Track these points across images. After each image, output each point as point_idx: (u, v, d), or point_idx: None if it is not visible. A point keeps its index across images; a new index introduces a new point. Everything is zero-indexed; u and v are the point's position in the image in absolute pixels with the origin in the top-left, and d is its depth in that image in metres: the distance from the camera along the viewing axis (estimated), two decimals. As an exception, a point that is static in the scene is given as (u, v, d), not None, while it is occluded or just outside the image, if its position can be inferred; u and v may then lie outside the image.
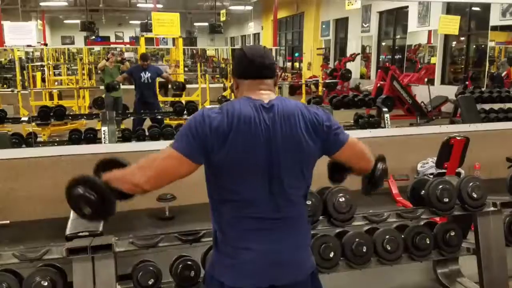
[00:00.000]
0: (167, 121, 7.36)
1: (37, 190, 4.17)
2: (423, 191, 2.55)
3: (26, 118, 6.46)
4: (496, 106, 7.30)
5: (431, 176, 4.21)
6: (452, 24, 6.42)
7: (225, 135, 1.47)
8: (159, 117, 6.82)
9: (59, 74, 13.19)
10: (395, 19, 14.20)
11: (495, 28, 10.02)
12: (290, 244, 1.58)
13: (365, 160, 1.74)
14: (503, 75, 9.80)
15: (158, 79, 7.31)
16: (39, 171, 4.19)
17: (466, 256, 2.71)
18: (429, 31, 12.51)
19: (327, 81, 11.04)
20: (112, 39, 25.53)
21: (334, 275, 2.41)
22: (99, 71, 9.47)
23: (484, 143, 5.22)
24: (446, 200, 2.46)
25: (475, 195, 2.49)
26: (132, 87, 7.09)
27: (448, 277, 2.98)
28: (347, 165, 1.73)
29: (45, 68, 12.02)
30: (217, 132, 1.47)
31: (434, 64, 12.19)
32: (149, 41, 14.34)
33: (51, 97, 9.49)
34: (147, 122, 6.68)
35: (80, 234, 2.41)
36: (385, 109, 6.58)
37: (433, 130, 5.50)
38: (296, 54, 20.03)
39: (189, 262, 2.23)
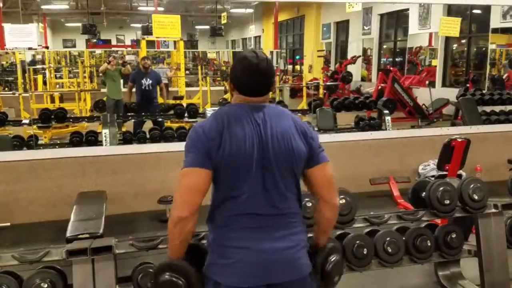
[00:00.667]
0: (168, 123, 7.36)
1: (38, 193, 4.18)
2: (424, 193, 2.55)
3: (27, 121, 6.47)
4: (497, 108, 7.29)
5: (432, 178, 4.20)
6: (453, 26, 6.40)
7: (219, 134, 1.54)
8: (160, 119, 6.83)
9: (61, 77, 13.23)
10: (396, 21, 14.20)
11: (496, 30, 10.01)
12: (285, 244, 1.59)
13: (332, 190, 1.68)
14: (504, 77, 9.79)
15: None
16: (40, 174, 4.19)
17: (468, 258, 2.70)
18: (430, 34, 12.51)
19: (328, 83, 11.04)
20: (114, 42, 25.59)
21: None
22: (100, 74, 9.48)
23: (485, 145, 5.22)
24: (447, 202, 2.46)
25: (476, 197, 2.49)
26: (133, 90, 7.12)
27: (450, 279, 2.97)
28: (313, 187, 1.68)
29: (47, 71, 12.05)
30: (211, 134, 1.55)
31: (435, 66, 12.18)
32: (150, 44, 14.35)
33: (52, 100, 9.52)
34: (148, 125, 6.69)
35: (81, 236, 2.41)
36: (386, 111, 6.58)
37: (434, 132, 5.49)
38: (297, 57, 20.04)
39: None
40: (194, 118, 6.49)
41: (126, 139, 5.89)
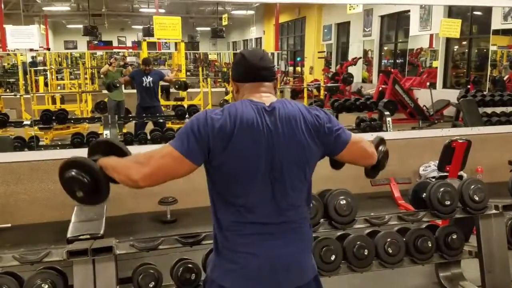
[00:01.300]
0: (169, 124, 7.36)
1: (39, 194, 4.18)
2: (424, 194, 2.55)
3: (28, 122, 6.48)
4: (498, 109, 7.28)
5: (433, 179, 4.20)
6: (453, 28, 6.41)
7: (228, 137, 1.45)
8: (161, 120, 6.83)
9: (62, 79, 13.26)
10: (396, 23, 14.21)
11: (497, 32, 10.01)
12: (293, 249, 1.56)
13: (369, 157, 1.75)
14: (505, 78, 9.79)
15: (161, 83, 7.33)
16: (41, 175, 4.19)
17: (468, 259, 2.70)
18: (431, 35, 12.52)
19: (329, 85, 11.05)
20: (115, 44, 25.66)
21: (335, 278, 2.40)
22: (101, 76, 9.50)
23: (486, 147, 5.21)
24: (448, 202, 2.46)
25: (477, 198, 2.48)
26: (135, 91, 7.11)
27: (450, 280, 2.96)
28: (351, 163, 1.72)
29: (48, 73, 12.08)
30: (220, 134, 1.45)
31: (436, 68, 12.18)
32: (151, 45, 14.37)
33: (53, 101, 9.53)
34: (149, 126, 6.69)
35: (81, 237, 2.41)
36: (387, 113, 6.58)
37: (435, 133, 5.49)
38: (298, 59, 20.05)
39: (190, 265, 2.22)
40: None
41: (127, 140, 5.89)
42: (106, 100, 7.61)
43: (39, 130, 6.83)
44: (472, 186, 2.50)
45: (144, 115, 6.69)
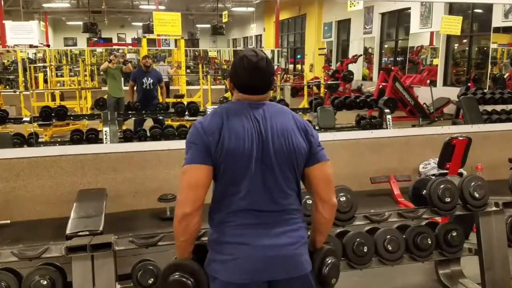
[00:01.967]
0: (168, 121, 7.36)
1: (38, 190, 4.18)
2: (424, 190, 2.54)
3: (28, 119, 6.47)
4: (499, 107, 7.28)
5: (433, 177, 4.19)
6: (454, 25, 6.39)
7: (218, 130, 1.55)
8: (161, 117, 6.82)
9: (61, 75, 13.23)
10: (397, 20, 14.18)
11: (497, 29, 9.99)
12: (287, 240, 1.58)
13: (330, 189, 1.67)
14: (505, 76, 9.77)
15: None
16: (40, 171, 4.18)
17: (468, 256, 2.69)
18: (431, 33, 12.49)
19: (329, 82, 11.04)
20: (115, 41, 25.61)
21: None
22: (101, 73, 9.48)
23: (486, 144, 5.20)
24: (448, 199, 2.45)
25: (477, 195, 2.48)
26: (135, 88, 7.11)
27: (450, 278, 2.96)
28: (312, 185, 1.67)
29: (48, 69, 12.06)
30: (210, 129, 1.55)
31: (437, 65, 12.16)
32: (151, 42, 14.34)
33: (53, 98, 9.51)
34: (149, 123, 6.69)
35: (80, 233, 2.41)
36: (387, 110, 6.57)
37: (435, 131, 5.48)
38: (299, 56, 20.02)
39: (189, 262, 2.21)
40: (194, 116, 6.49)
41: (127, 137, 5.89)
42: (105, 97, 7.60)
43: (38, 126, 6.80)
44: (473, 183, 2.49)
45: (143, 112, 6.69)
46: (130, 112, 6.81)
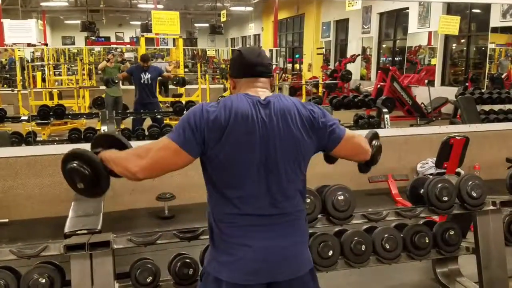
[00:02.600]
0: (166, 121, 7.36)
1: (36, 189, 4.17)
2: (422, 189, 2.55)
3: (26, 117, 6.46)
4: (496, 107, 7.30)
5: (431, 176, 4.20)
6: (452, 24, 6.41)
7: (222, 129, 1.48)
8: (159, 117, 6.82)
9: (59, 74, 13.20)
10: (395, 20, 14.20)
11: (495, 29, 10.02)
12: (288, 241, 1.57)
13: (363, 152, 1.77)
14: (503, 76, 9.81)
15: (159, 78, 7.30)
16: (38, 170, 4.18)
17: (466, 255, 2.70)
18: (429, 33, 12.51)
19: (327, 82, 11.04)
20: (113, 40, 25.56)
21: (332, 273, 2.40)
22: (99, 72, 9.47)
23: (484, 144, 5.22)
24: (446, 198, 2.46)
25: (474, 194, 2.48)
26: (133, 87, 7.08)
27: (448, 276, 2.97)
28: (346, 158, 1.74)
29: (46, 68, 12.03)
30: (215, 125, 1.49)
31: (434, 65, 12.19)
32: (149, 41, 14.34)
33: (51, 97, 9.50)
34: (147, 122, 6.68)
35: (79, 232, 2.40)
36: (385, 110, 6.59)
37: (432, 130, 5.49)
38: (297, 56, 20.03)
39: (188, 260, 2.22)
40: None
41: (125, 136, 5.87)
42: (103, 96, 7.60)
43: (36, 125, 6.81)
44: (470, 182, 2.50)
45: (142, 111, 6.68)
46: (128, 111, 6.81)
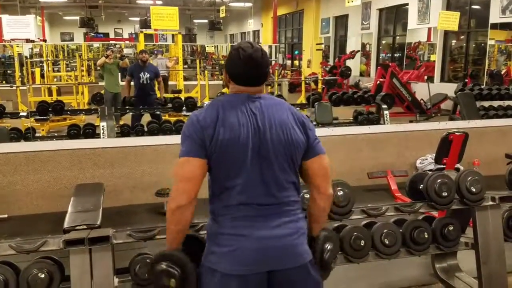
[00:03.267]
0: (166, 117, 7.35)
1: (35, 185, 4.17)
2: (421, 185, 2.55)
3: (24, 113, 6.45)
4: (496, 103, 7.30)
5: (430, 172, 4.20)
6: (451, 20, 6.42)
7: (213, 123, 1.55)
8: (158, 112, 6.81)
9: (58, 70, 13.19)
10: (395, 16, 14.18)
11: (495, 25, 10.01)
12: (285, 231, 1.58)
13: (327, 181, 1.69)
14: (502, 72, 9.81)
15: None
16: (37, 166, 4.18)
17: (465, 250, 2.70)
18: (429, 29, 12.51)
19: (326, 78, 11.03)
20: (111, 36, 25.52)
21: (332, 269, 2.40)
22: (98, 68, 9.45)
23: (483, 140, 5.22)
24: (445, 194, 2.45)
25: (473, 189, 2.48)
26: (132, 83, 7.08)
27: (447, 271, 2.97)
28: (309, 178, 1.68)
29: (44, 64, 12.01)
30: (205, 123, 1.55)
31: (434, 61, 12.18)
32: (148, 37, 14.31)
33: (50, 93, 9.49)
34: (146, 118, 6.68)
35: (78, 227, 2.40)
36: (384, 106, 6.58)
37: (432, 126, 5.50)
38: (296, 52, 20.00)
39: (187, 255, 2.22)
40: (192, 111, 6.48)
41: (124, 132, 5.88)
42: (102, 92, 7.59)
43: (35, 121, 6.79)
44: (469, 178, 2.50)
45: (140, 106, 6.67)
46: (127, 107, 6.80)
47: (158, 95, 7.06)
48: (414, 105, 8.92)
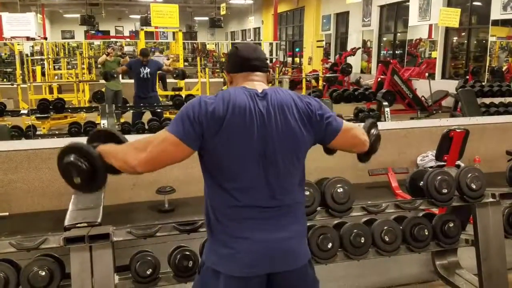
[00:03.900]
0: (166, 114, 7.35)
1: (36, 182, 4.17)
2: (421, 182, 2.54)
3: (25, 111, 6.45)
4: (497, 100, 7.29)
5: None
6: (452, 17, 6.40)
7: (221, 121, 1.48)
8: (159, 110, 6.81)
9: (59, 68, 13.19)
10: (396, 13, 14.15)
11: (496, 22, 9.98)
12: (287, 233, 1.57)
13: (361, 144, 1.77)
14: (504, 69, 9.79)
15: (158, 72, 7.28)
16: (38, 164, 4.17)
17: (465, 247, 2.70)
18: (430, 26, 12.47)
19: (327, 75, 11.02)
20: (112, 33, 25.52)
21: (332, 266, 2.40)
22: (99, 66, 9.45)
23: (484, 137, 5.21)
24: (445, 191, 2.45)
25: (474, 186, 2.48)
26: (132, 81, 7.07)
27: (447, 268, 2.97)
28: (344, 150, 1.75)
29: (45, 62, 12.01)
30: (213, 117, 1.48)
31: (435, 58, 12.16)
32: (149, 35, 14.30)
33: (51, 91, 9.50)
34: (147, 116, 6.67)
35: (79, 225, 2.41)
36: (385, 103, 6.58)
37: (433, 123, 5.48)
38: (297, 49, 19.97)
39: (187, 252, 2.23)
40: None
41: (125, 130, 5.88)
42: (103, 89, 7.59)
43: (36, 119, 6.80)
44: (469, 175, 2.49)
45: (141, 105, 6.66)
46: (128, 105, 6.80)
47: (161, 93, 7.02)
48: (415, 102, 8.91)
